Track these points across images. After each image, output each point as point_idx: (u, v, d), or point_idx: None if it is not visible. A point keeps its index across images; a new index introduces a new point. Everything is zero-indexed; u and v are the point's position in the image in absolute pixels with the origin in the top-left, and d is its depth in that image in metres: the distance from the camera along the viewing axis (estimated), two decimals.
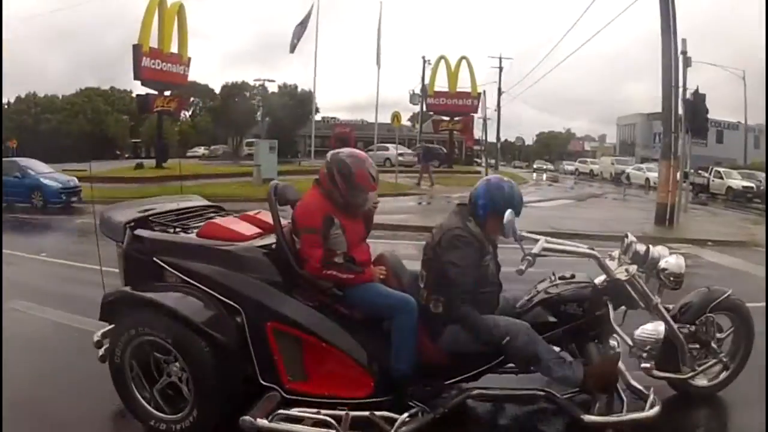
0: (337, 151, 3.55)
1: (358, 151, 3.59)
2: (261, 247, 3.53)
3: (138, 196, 9.08)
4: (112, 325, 3.57)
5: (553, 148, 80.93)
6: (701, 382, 3.92)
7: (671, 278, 3.60)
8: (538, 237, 3.47)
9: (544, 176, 43.61)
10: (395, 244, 8.94)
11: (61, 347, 4.73)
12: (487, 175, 8.52)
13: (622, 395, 3.45)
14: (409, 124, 56.08)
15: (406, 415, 3.14)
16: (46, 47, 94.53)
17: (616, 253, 3.78)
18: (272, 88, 52.65)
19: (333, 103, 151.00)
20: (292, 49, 35.32)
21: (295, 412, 3.12)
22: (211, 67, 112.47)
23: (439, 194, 21.03)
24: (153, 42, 27.12)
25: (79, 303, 5.41)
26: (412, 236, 10.62)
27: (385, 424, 3.06)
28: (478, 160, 54.21)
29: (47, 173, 17.60)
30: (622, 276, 3.49)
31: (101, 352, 3.57)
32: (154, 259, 3.55)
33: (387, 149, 34.80)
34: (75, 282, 7.01)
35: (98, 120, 55.79)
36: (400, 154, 31.37)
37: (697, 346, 3.82)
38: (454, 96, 38.12)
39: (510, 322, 3.33)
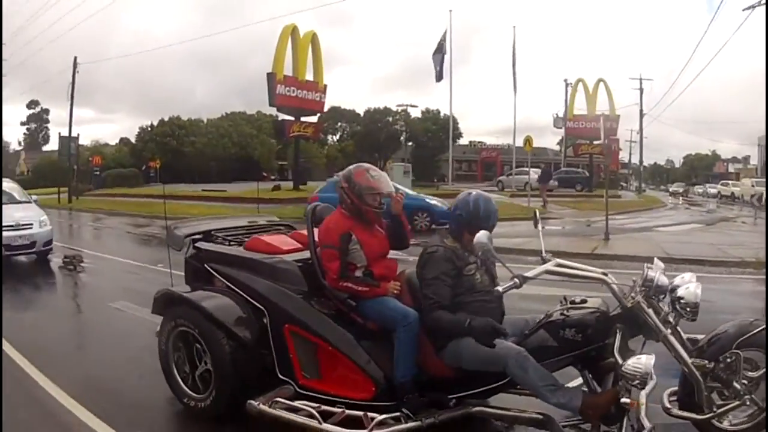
0: None
1: (364, 164, 4.20)
2: (298, 261, 4.25)
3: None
4: None
5: (699, 170, 77.26)
6: (729, 425, 3.71)
7: (687, 308, 3.55)
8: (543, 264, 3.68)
9: (680, 199, 43.29)
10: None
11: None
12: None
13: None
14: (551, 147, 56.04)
15: (385, 416, 3.57)
16: (190, 73, 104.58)
17: (638, 279, 3.73)
18: (415, 113, 55.51)
19: (481, 127, 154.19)
20: (439, 77, 37.57)
21: (297, 404, 3.74)
22: (355, 93, 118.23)
23: (571, 217, 21.78)
24: (288, 70, 30.31)
25: None
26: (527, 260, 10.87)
27: (369, 421, 3.55)
28: (624, 184, 52.41)
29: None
30: (627, 303, 3.55)
31: None
32: (206, 266, 4.49)
33: (527, 173, 35.49)
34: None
35: (244, 143, 60.06)
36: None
37: (719, 385, 3.61)
38: (592, 119, 38.40)
39: (502, 348, 3.53)
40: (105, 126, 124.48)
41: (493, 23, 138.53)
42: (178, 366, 4.28)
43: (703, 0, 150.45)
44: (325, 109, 35.99)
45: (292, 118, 31.14)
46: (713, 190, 48.27)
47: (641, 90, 48.99)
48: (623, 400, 3.39)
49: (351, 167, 4.15)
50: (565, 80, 45.28)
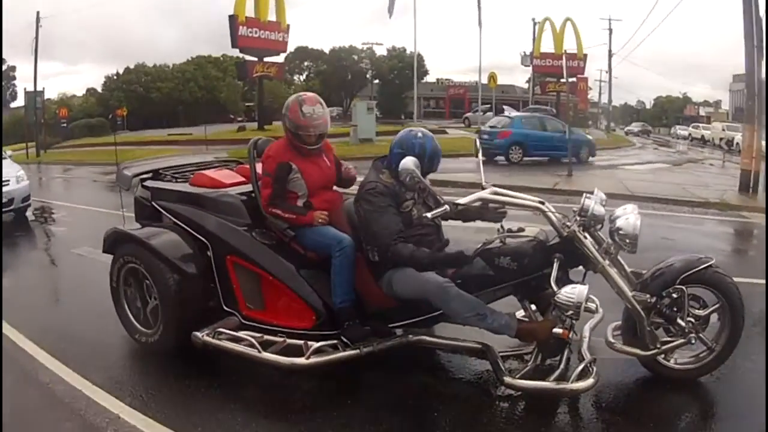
0: None
1: (307, 93, 4.16)
2: (241, 194, 4.27)
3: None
4: None
5: (670, 113, 77.82)
6: (674, 363, 3.69)
7: (626, 239, 3.45)
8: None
9: (651, 138, 44.60)
10: None
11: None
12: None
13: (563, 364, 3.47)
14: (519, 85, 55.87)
15: (322, 343, 3.64)
16: (155, 20, 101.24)
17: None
18: (381, 51, 55.09)
19: (450, 65, 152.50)
20: (390, 11, 38.15)
21: (240, 334, 3.84)
22: (322, 33, 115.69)
23: None
24: (250, 12, 30.08)
25: None
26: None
27: (308, 349, 3.61)
28: (593, 123, 52.87)
29: None
30: (564, 232, 3.49)
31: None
32: (153, 203, 4.53)
33: (490, 110, 35.70)
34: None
35: (210, 86, 59.18)
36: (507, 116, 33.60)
37: (663, 321, 3.57)
38: (559, 58, 38.13)
39: (427, 279, 3.53)
40: (72, 78, 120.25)
41: None
42: (129, 302, 4.38)
43: None
44: (290, 48, 35.72)
45: (256, 59, 30.92)
46: (684, 132, 48.37)
47: (610, 30, 49.13)
48: (555, 330, 3.40)
49: (290, 98, 4.09)
50: (533, 19, 45.64)
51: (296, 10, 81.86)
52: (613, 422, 3.34)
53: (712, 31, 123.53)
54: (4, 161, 10.69)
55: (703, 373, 3.70)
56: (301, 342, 3.66)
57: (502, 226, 3.76)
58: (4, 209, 9.72)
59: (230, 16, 29.71)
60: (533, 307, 3.74)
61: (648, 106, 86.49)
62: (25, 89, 36.54)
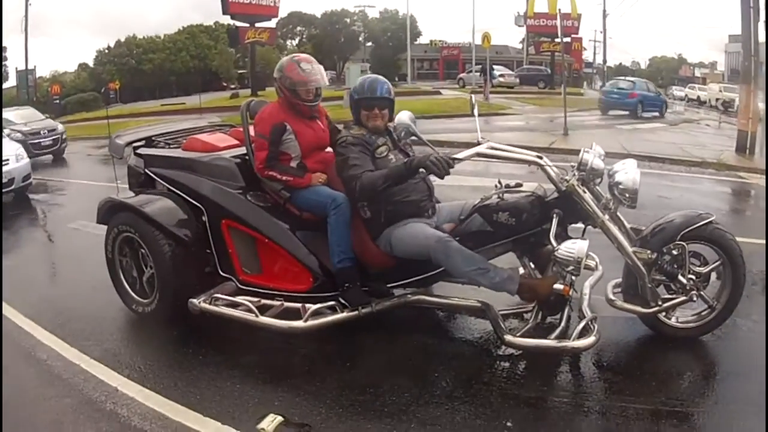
0: None
1: (300, 53, 4.09)
2: (234, 157, 4.15)
3: None
4: None
5: (665, 73, 77.09)
6: (676, 321, 3.63)
7: (626, 194, 3.38)
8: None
9: None
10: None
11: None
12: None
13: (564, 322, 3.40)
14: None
15: (320, 305, 3.56)
16: None
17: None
18: (373, 13, 54.34)
19: (444, 27, 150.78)
20: None
21: (238, 299, 3.77)
22: None
23: (533, 113, 22.25)
24: None
25: None
26: None
27: (306, 312, 3.54)
28: (588, 83, 52.43)
29: None
30: (562, 186, 3.39)
31: None
32: (146, 170, 4.41)
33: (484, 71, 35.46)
34: None
35: (202, 55, 58.22)
36: (501, 75, 33.27)
37: (664, 277, 3.49)
38: (553, 17, 37.45)
39: (427, 235, 3.47)
40: (64, 54, 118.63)
41: None
42: (124, 272, 4.30)
43: None
44: (282, 14, 35.12)
45: (247, 25, 30.62)
46: (680, 93, 47.44)
47: None
48: (556, 286, 3.34)
49: (283, 59, 4.01)
50: None
51: None
52: (614, 380, 3.31)
53: None
54: (3, 139, 10.21)
55: (704, 332, 3.64)
56: (299, 305, 3.61)
57: (499, 182, 3.64)
58: (4, 189, 9.00)
59: None
60: (532, 265, 3.64)
61: (643, 67, 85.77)
62: (16, 68, 35.98)
